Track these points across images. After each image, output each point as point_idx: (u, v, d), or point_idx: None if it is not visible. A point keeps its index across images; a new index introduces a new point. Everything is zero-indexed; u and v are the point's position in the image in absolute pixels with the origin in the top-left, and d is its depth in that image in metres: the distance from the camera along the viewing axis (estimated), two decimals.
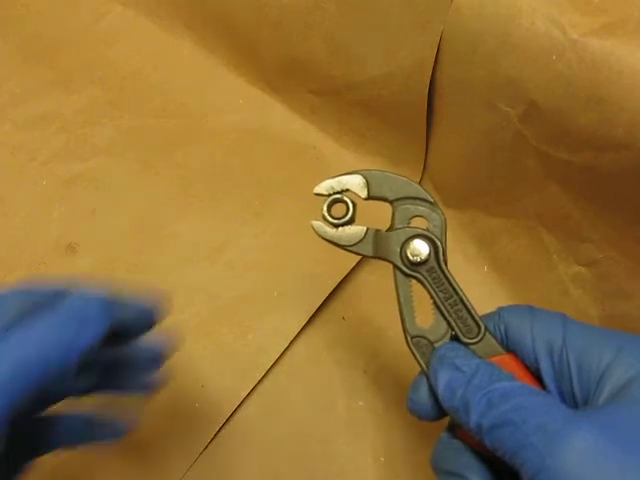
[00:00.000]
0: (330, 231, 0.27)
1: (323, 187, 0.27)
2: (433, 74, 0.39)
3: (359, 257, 0.42)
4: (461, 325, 0.25)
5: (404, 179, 0.27)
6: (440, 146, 0.43)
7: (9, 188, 0.47)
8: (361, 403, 0.39)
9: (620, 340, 0.23)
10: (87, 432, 0.30)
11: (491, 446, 0.22)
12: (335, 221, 0.27)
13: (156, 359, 0.31)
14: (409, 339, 0.26)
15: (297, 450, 0.38)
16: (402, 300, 0.26)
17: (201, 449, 0.37)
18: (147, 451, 0.37)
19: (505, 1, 0.34)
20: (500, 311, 0.26)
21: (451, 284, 0.26)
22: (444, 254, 0.26)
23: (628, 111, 0.30)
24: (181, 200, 0.47)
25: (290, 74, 0.48)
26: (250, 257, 0.44)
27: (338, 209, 0.27)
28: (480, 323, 0.25)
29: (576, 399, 0.23)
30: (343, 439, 0.38)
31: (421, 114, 0.41)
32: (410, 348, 0.26)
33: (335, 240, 0.27)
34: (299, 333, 0.41)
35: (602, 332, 0.24)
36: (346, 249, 0.27)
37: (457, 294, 0.26)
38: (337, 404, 0.39)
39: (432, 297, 0.26)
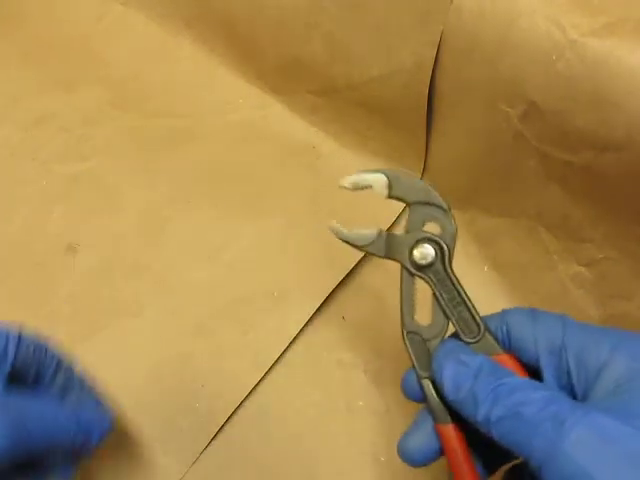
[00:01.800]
0: (345, 232, 0.29)
1: (347, 181, 0.29)
2: (433, 74, 0.39)
3: (359, 257, 0.42)
4: (463, 325, 0.26)
5: (425, 185, 0.28)
6: (440, 146, 0.43)
7: (9, 188, 0.47)
8: (361, 403, 0.39)
9: (617, 337, 0.24)
10: None
11: (499, 437, 0.22)
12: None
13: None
14: (405, 334, 0.27)
15: (297, 450, 0.38)
16: (404, 296, 0.28)
17: (201, 449, 0.37)
18: (147, 451, 0.37)
19: (505, 1, 0.34)
20: (503, 312, 0.27)
21: (455, 286, 0.27)
22: (450, 259, 0.27)
23: (628, 111, 0.30)
24: (181, 200, 0.47)
25: (290, 74, 0.48)
26: (250, 257, 0.44)
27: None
28: (481, 323, 0.26)
29: (576, 395, 0.24)
30: (343, 439, 0.38)
31: (421, 114, 0.41)
32: (404, 342, 0.27)
33: (350, 240, 0.29)
34: (299, 333, 0.41)
35: (600, 330, 0.24)
36: (360, 249, 0.29)
37: (460, 295, 0.27)
38: (337, 404, 0.39)
39: (436, 297, 0.27)
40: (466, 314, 0.27)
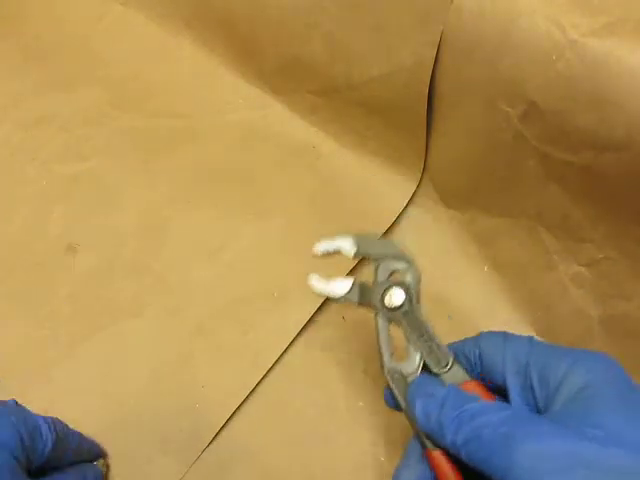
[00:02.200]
0: (323, 286, 0.32)
1: (318, 249, 0.32)
2: (433, 74, 0.39)
3: (359, 258, 0.42)
4: (433, 358, 0.29)
5: (389, 241, 0.33)
6: (440, 146, 0.43)
7: (9, 188, 0.47)
8: (361, 403, 0.39)
9: (575, 354, 0.26)
10: None
11: (467, 459, 0.24)
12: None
13: None
14: (386, 372, 0.30)
15: (297, 450, 0.38)
16: (381, 338, 0.30)
17: (201, 449, 0.37)
18: (147, 451, 0.37)
19: (505, 1, 0.34)
20: (478, 337, 0.30)
21: (423, 324, 0.30)
22: (418, 300, 0.30)
23: (628, 111, 0.30)
24: (181, 200, 0.47)
25: (290, 74, 0.48)
26: (250, 257, 0.44)
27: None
28: (448, 355, 0.29)
29: (540, 410, 0.26)
30: (343, 439, 0.38)
31: (421, 114, 0.41)
32: (387, 379, 0.30)
33: (327, 294, 0.32)
34: (299, 333, 0.41)
35: (561, 349, 0.27)
36: (337, 301, 0.32)
37: (428, 332, 0.30)
38: (337, 404, 0.39)
39: (407, 336, 0.30)
40: (434, 348, 0.29)
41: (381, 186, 0.46)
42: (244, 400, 0.39)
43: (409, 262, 0.31)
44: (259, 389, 0.39)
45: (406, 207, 0.45)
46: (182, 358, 0.40)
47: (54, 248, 0.44)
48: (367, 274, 0.32)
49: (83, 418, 0.37)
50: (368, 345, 0.41)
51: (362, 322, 0.42)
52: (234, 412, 0.38)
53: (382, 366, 0.30)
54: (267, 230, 0.45)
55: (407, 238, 0.45)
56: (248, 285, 0.43)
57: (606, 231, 0.35)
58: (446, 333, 0.41)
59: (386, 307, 0.30)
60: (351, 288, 0.31)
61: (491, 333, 0.29)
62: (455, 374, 0.28)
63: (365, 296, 0.31)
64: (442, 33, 0.37)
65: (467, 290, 0.43)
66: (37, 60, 0.54)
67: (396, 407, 0.30)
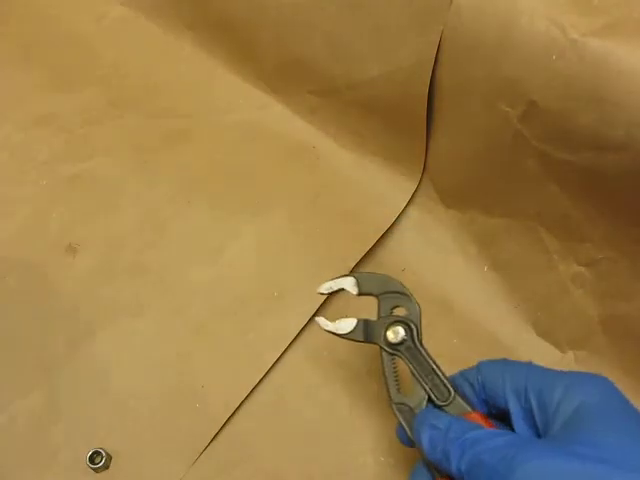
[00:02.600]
0: (330, 324, 0.33)
1: (324, 288, 0.34)
2: (433, 74, 0.39)
3: (359, 258, 0.42)
4: (435, 391, 0.30)
5: (388, 277, 0.33)
6: (440, 146, 0.43)
7: (9, 188, 0.47)
8: (361, 403, 0.39)
9: (570, 378, 0.27)
10: None
11: None
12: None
13: None
14: (393, 406, 0.31)
15: (297, 450, 0.38)
16: (387, 374, 0.32)
17: (201, 449, 0.37)
18: (147, 451, 0.37)
19: (505, 1, 0.34)
20: (478, 365, 0.31)
21: (425, 358, 0.31)
22: (419, 335, 0.31)
23: (628, 111, 0.30)
24: (181, 200, 0.47)
25: (290, 74, 0.48)
26: (250, 257, 0.44)
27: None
28: (450, 388, 0.30)
29: (540, 433, 0.27)
30: (343, 439, 0.38)
31: (421, 114, 0.41)
32: (395, 413, 0.31)
33: (334, 331, 0.33)
34: (299, 333, 0.41)
35: (557, 373, 0.28)
36: (342, 337, 0.33)
37: (430, 365, 0.31)
38: (337, 404, 0.39)
39: (411, 370, 0.31)
40: (437, 381, 0.30)
41: (381, 186, 0.46)
42: (244, 400, 0.39)
43: (409, 298, 0.32)
44: (259, 389, 0.39)
45: (406, 207, 0.45)
46: (182, 358, 0.40)
47: (54, 248, 0.44)
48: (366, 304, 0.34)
49: (83, 418, 0.37)
50: (368, 345, 0.41)
51: None
52: (234, 412, 0.38)
53: (389, 400, 0.31)
54: (267, 230, 0.45)
55: (407, 238, 0.45)
56: (248, 285, 0.43)
57: (606, 231, 0.35)
58: (446, 333, 0.41)
59: (389, 343, 0.32)
60: (355, 326, 0.33)
61: (491, 362, 0.31)
62: (458, 406, 0.30)
63: (369, 333, 0.33)
64: (442, 33, 0.37)
65: (467, 290, 0.43)
66: (37, 60, 0.54)
67: (409, 443, 0.31)
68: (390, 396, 0.31)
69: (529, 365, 0.29)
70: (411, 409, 0.30)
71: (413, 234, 0.45)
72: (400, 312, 0.32)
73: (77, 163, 0.48)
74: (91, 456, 0.36)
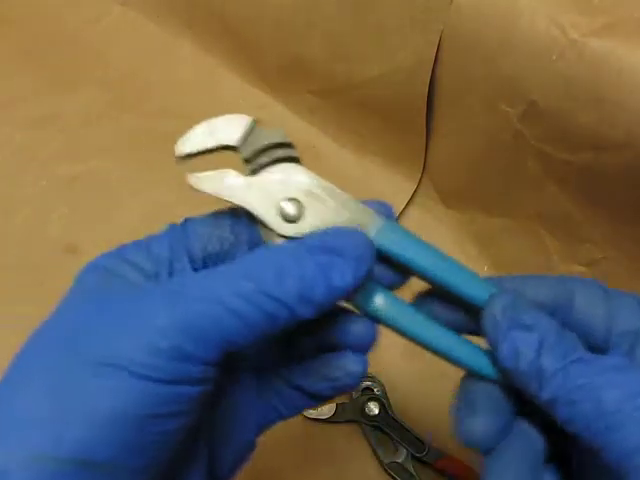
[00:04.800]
0: (312, 411, 0.38)
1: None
2: (433, 74, 0.39)
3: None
4: (412, 446, 0.37)
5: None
6: (440, 146, 0.43)
7: (9, 188, 0.47)
8: None
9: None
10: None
11: (565, 420, 0.20)
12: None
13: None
14: (385, 466, 0.37)
15: (297, 450, 0.38)
16: (372, 443, 0.38)
17: None
18: None
19: (505, 1, 0.34)
20: (565, 280, 0.24)
21: (399, 422, 0.38)
22: (389, 405, 0.38)
23: (628, 111, 0.30)
24: (181, 200, 0.46)
25: (290, 74, 0.48)
26: None
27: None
28: (425, 443, 0.37)
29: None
30: (344, 439, 0.38)
31: (421, 114, 0.41)
32: (388, 472, 0.37)
33: (317, 416, 0.38)
34: None
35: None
36: (325, 421, 0.38)
37: (404, 428, 0.38)
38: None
39: (389, 434, 0.38)
40: (412, 438, 0.37)
41: (381, 186, 0.46)
42: None
43: (376, 381, 0.39)
44: None
45: (406, 207, 0.45)
46: None
47: (54, 248, 0.44)
48: None
49: None
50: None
51: None
52: None
53: (381, 463, 0.37)
54: None
55: None
56: None
57: (606, 231, 0.35)
58: None
59: (367, 416, 0.38)
60: (335, 410, 0.38)
61: (584, 281, 0.24)
62: (432, 455, 0.37)
63: (349, 414, 0.38)
64: (442, 33, 0.37)
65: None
66: (37, 60, 0.54)
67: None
68: (381, 459, 0.37)
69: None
70: (400, 464, 0.37)
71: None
72: (370, 393, 0.39)
73: (77, 163, 0.48)
74: None
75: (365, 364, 0.23)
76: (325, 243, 0.20)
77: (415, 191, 0.45)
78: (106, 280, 0.22)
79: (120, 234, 0.45)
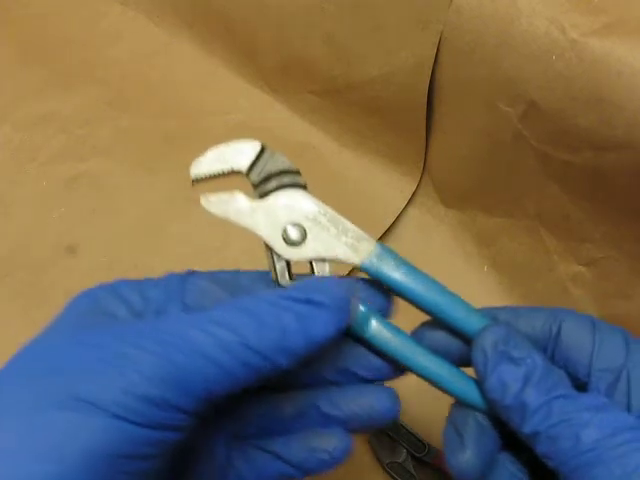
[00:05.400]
0: None
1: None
2: (433, 74, 0.39)
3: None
4: (413, 447, 0.37)
5: None
6: (440, 146, 0.43)
7: (9, 188, 0.47)
8: None
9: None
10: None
11: (545, 455, 0.21)
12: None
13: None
14: (385, 466, 0.37)
15: None
16: (373, 442, 0.38)
17: None
18: None
19: (505, 1, 0.34)
20: (557, 311, 0.25)
21: (399, 422, 0.38)
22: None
23: (628, 111, 0.30)
24: (181, 200, 0.46)
25: (290, 74, 0.48)
26: (250, 257, 0.44)
27: None
28: (424, 443, 0.37)
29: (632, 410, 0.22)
30: None
31: (421, 114, 0.41)
32: (388, 472, 0.37)
33: None
34: None
35: None
36: None
37: (404, 428, 0.38)
38: None
39: (388, 433, 0.38)
40: (414, 440, 0.38)
41: (381, 186, 0.46)
42: None
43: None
44: None
45: (406, 207, 0.45)
46: None
47: (54, 248, 0.44)
48: None
49: None
50: None
51: None
52: None
53: (381, 464, 0.37)
54: None
55: (407, 238, 0.45)
56: None
57: (606, 231, 0.35)
58: None
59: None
60: None
61: (575, 315, 0.24)
62: (431, 455, 0.37)
63: None
64: (442, 33, 0.37)
65: (467, 290, 0.43)
66: (37, 60, 0.54)
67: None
68: (382, 460, 0.37)
69: (626, 336, 0.24)
70: (399, 464, 0.37)
71: (413, 234, 0.45)
72: None
73: (77, 163, 0.48)
74: None
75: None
76: (305, 294, 0.21)
77: (415, 191, 0.45)
78: (95, 313, 0.23)
79: (120, 234, 0.45)
